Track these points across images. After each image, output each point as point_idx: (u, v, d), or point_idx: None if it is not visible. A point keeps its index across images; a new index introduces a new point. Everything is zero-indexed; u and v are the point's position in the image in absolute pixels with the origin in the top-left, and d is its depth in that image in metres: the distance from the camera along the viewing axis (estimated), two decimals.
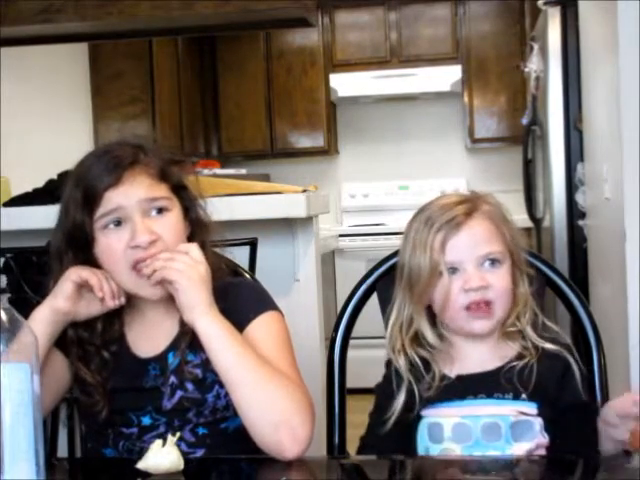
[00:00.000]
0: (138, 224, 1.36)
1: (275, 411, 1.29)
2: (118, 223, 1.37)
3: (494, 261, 1.36)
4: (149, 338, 1.45)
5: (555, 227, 3.52)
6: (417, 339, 1.40)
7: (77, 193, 1.38)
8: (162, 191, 1.41)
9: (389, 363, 1.43)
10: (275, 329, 1.43)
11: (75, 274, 1.38)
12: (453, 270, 1.35)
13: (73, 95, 4.44)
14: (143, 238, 1.35)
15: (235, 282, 1.52)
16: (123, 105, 4.57)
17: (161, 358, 1.43)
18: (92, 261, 1.41)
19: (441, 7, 5.34)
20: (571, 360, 1.37)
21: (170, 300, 1.41)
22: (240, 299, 1.44)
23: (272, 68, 5.49)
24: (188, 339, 1.40)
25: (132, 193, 1.37)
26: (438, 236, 1.35)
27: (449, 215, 1.36)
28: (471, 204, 1.38)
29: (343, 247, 5.09)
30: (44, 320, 1.36)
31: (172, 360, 1.42)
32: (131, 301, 1.45)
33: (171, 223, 1.40)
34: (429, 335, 1.39)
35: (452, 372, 1.38)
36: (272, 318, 1.44)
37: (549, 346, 1.38)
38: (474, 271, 1.35)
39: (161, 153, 1.45)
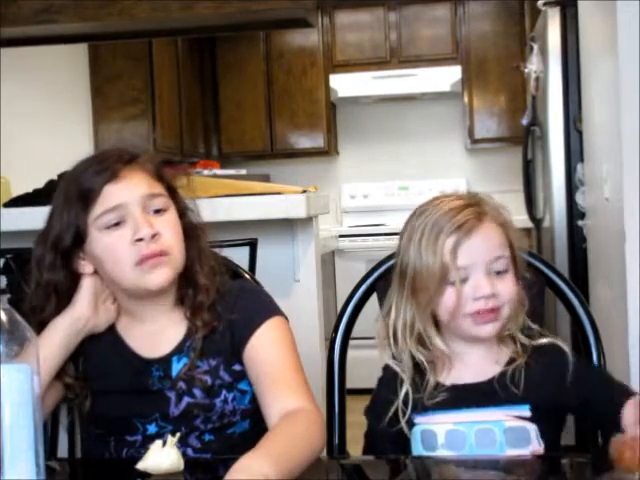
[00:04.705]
0: (139, 218, 1.36)
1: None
2: (117, 223, 1.36)
3: (500, 271, 1.32)
4: (150, 341, 1.44)
5: (555, 227, 3.52)
6: (420, 340, 1.38)
7: (71, 193, 1.38)
8: (160, 189, 1.41)
9: (386, 368, 1.41)
10: (279, 336, 1.42)
11: (93, 283, 1.40)
12: (463, 279, 1.31)
13: (73, 96, 4.44)
14: (146, 231, 1.35)
15: (236, 288, 1.48)
16: (123, 106, 4.56)
17: (164, 361, 1.42)
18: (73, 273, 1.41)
19: (441, 7, 5.34)
20: (565, 348, 1.35)
21: (170, 303, 1.43)
22: (243, 308, 1.43)
23: (272, 69, 5.49)
24: (197, 347, 1.40)
25: (133, 188, 1.37)
26: (449, 240, 1.30)
27: (460, 219, 1.31)
28: (478, 207, 1.34)
29: (343, 247, 5.09)
30: (63, 330, 1.38)
31: (176, 364, 1.41)
32: (126, 307, 1.45)
33: (170, 221, 1.40)
34: (438, 342, 1.36)
35: (447, 380, 1.36)
36: (275, 324, 1.43)
37: (541, 341, 1.37)
38: (484, 278, 1.31)
39: (154, 157, 1.46)
